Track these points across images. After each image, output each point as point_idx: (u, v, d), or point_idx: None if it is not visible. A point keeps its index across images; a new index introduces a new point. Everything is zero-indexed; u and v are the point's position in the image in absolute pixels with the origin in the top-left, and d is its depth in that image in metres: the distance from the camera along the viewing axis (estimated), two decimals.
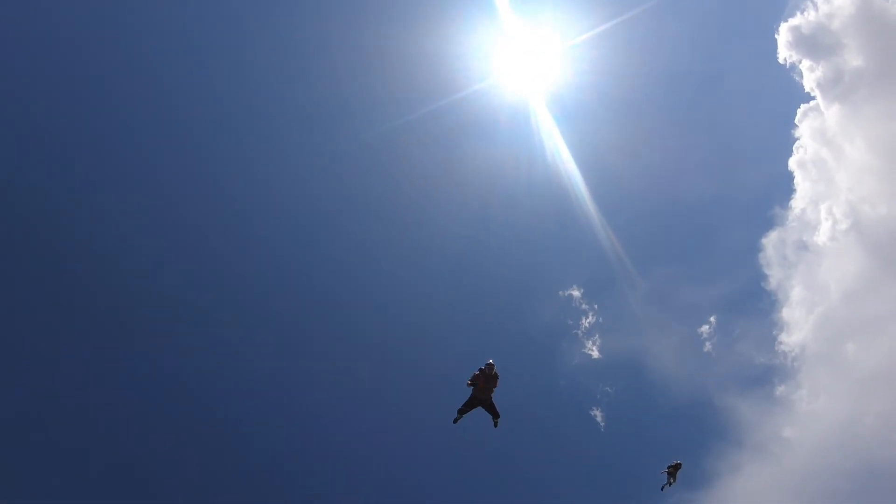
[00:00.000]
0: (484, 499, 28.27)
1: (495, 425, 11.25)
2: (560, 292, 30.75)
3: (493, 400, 11.02)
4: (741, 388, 30.55)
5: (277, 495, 25.98)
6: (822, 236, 31.70)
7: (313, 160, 29.67)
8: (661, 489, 18.55)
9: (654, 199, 32.34)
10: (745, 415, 30.36)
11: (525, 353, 29.53)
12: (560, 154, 29.32)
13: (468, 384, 10.79)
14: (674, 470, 18.20)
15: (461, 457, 28.17)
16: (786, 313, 31.28)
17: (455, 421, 11.27)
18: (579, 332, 30.45)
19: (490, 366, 10.70)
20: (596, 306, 30.73)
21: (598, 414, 29.49)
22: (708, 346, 30.75)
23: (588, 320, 30.49)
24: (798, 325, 31.65)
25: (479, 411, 11.29)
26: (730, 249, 32.41)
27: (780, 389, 30.88)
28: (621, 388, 30.33)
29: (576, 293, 30.88)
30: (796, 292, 31.88)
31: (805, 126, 31.98)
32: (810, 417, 31.44)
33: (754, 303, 31.50)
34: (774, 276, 31.55)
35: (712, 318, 30.69)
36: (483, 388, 10.78)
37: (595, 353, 30.17)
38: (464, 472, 28.80)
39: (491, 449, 28.50)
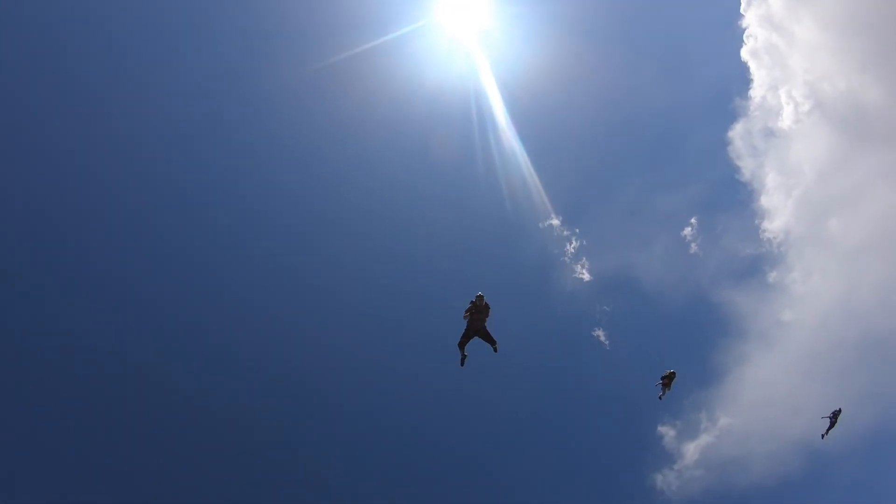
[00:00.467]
0: (505, 428, 28.79)
1: (495, 350, 11.81)
2: (539, 224, 30.75)
3: (487, 329, 11.60)
4: (734, 281, 30.91)
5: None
6: (786, 120, 31.71)
7: (233, 103, 28.60)
8: (659, 398, 18.80)
9: (613, 115, 32.13)
10: (742, 306, 30.77)
11: (518, 289, 29.61)
12: (505, 85, 29.06)
13: (464, 317, 11.27)
14: (668, 380, 18.35)
15: (478, 388, 28.60)
16: (764, 201, 31.46)
17: (462, 362, 11.89)
18: (566, 258, 30.56)
19: (480, 297, 11.19)
20: (577, 230, 30.78)
21: (600, 334, 29.81)
22: (693, 248, 30.97)
23: (572, 246, 30.57)
24: (778, 210, 31.87)
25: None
26: (698, 149, 32.37)
27: (773, 276, 31.23)
28: (618, 304, 30.61)
29: (555, 222, 30.87)
30: (771, 179, 32.01)
31: (751, 15, 31.66)
32: (806, 298, 31.88)
33: (731, 196, 31.64)
34: (746, 166, 31.61)
35: (693, 220, 30.85)
36: (476, 318, 11.31)
37: (586, 276, 30.33)
38: (482, 403, 29.31)
39: (504, 381, 29.00)
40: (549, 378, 29.69)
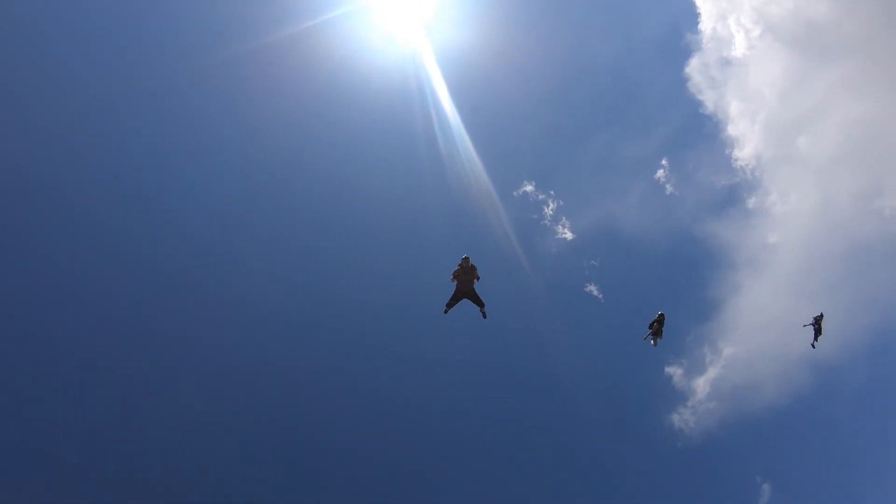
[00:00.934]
0: (510, 390, 29.04)
1: (483, 315, 12.23)
2: (514, 193, 30.80)
3: (476, 291, 12.03)
4: (714, 213, 31.16)
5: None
6: (739, 48, 31.83)
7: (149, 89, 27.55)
8: (654, 345, 17.45)
9: (566, 71, 32.04)
10: (727, 236, 31.06)
11: (505, 258, 29.61)
12: (449, 58, 28.93)
13: (452, 279, 11.77)
14: (658, 325, 17.06)
15: (485, 356, 28.79)
16: (731, 130, 31.64)
17: (445, 312, 12.31)
18: (546, 221, 30.65)
19: (465, 259, 11.62)
20: (552, 192, 30.87)
21: (593, 289, 30.01)
22: (669, 188, 31.14)
23: (550, 208, 30.67)
24: (746, 137, 32.09)
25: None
26: (658, 91, 32.46)
27: (752, 202, 31.53)
28: (605, 257, 30.82)
29: (529, 188, 30.93)
30: (734, 108, 32.18)
31: None
32: (788, 217, 32.26)
33: (698, 130, 31.76)
34: (708, 99, 31.74)
35: (664, 162, 30.98)
36: (464, 280, 11.74)
37: (569, 235, 30.47)
38: (486, 370, 29.57)
39: (509, 349, 29.19)
40: (552, 340, 29.87)
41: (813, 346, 18.63)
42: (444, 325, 29.38)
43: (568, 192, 30.99)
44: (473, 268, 11.71)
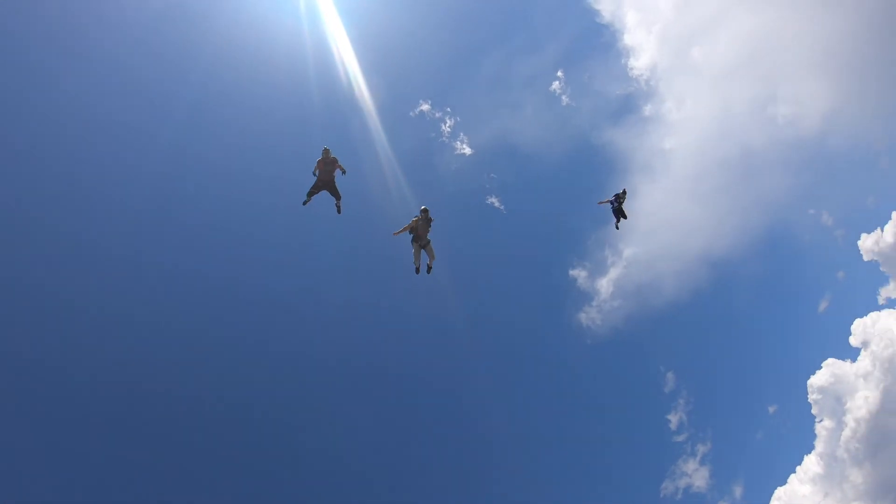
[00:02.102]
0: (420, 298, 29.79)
1: (338, 210, 12.65)
2: (410, 112, 30.75)
3: (335, 183, 12.29)
4: (611, 121, 32.03)
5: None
6: None
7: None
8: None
9: None
10: (623, 144, 32.07)
11: (402, 176, 29.70)
12: None
13: (313, 172, 11.98)
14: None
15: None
16: (627, 39, 32.25)
17: (304, 203, 12.44)
18: (444, 139, 30.83)
19: (326, 151, 11.77)
20: (448, 109, 30.92)
21: (494, 201, 30.67)
22: (565, 100, 31.73)
23: (447, 126, 30.77)
24: (642, 47, 32.80)
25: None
26: (551, 3, 32.59)
27: (647, 109, 32.53)
28: (503, 170, 31.43)
29: (425, 107, 30.90)
30: (630, 17, 32.71)
31: None
32: (683, 124, 33.53)
33: (595, 40, 32.24)
34: (605, 9, 32.11)
35: (559, 73, 31.41)
36: (324, 171, 11.95)
37: (467, 150, 30.75)
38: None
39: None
40: (457, 250, 30.58)
41: (616, 228, 15.67)
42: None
43: (464, 108, 31.15)
44: (335, 159, 11.91)
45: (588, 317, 31.12)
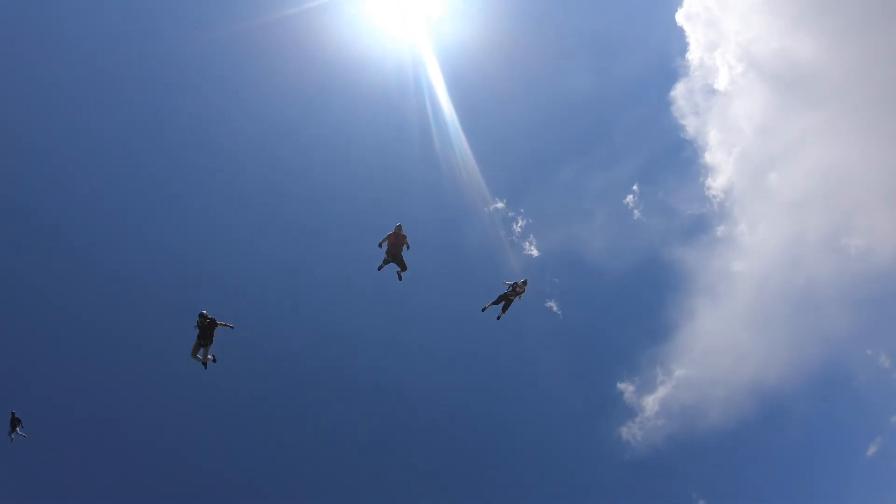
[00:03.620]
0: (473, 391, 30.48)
1: (399, 278, 13.86)
2: (486, 209, 31.91)
3: (402, 256, 13.50)
4: (681, 239, 32.17)
5: None
6: (722, 81, 32.57)
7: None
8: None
9: (553, 91, 32.76)
10: (691, 262, 32.08)
11: (471, 271, 30.79)
12: (446, 62, 29.62)
13: (379, 245, 13.17)
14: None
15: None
16: (708, 158, 32.53)
17: (379, 269, 13.84)
18: (514, 238, 31.74)
19: (399, 227, 13.07)
20: (522, 210, 31.91)
21: (553, 305, 31.20)
22: (637, 214, 32.14)
23: (518, 226, 31.72)
24: (721, 167, 32.98)
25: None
26: (639, 114, 33.21)
27: (720, 230, 32.50)
28: (567, 276, 31.97)
29: (500, 205, 32.03)
30: (713, 136, 33.01)
31: None
32: (754, 248, 33.24)
33: (677, 154, 32.59)
34: (690, 124, 32.54)
35: (635, 187, 31.91)
36: (394, 244, 13.21)
37: (535, 252, 31.56)
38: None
39: (474, 354, 30.64)
40: (510, 351, 31.21)
41: (497, 318, 14.24)
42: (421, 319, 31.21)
43: (538, 211, 32.04)
44: (404, 236, 13.16)
45: (630, 432, 31.06)
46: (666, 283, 32.20)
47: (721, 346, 32.56)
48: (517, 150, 32.90)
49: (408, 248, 13.29)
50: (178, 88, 29.39)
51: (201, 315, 11.44)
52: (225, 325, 11.67)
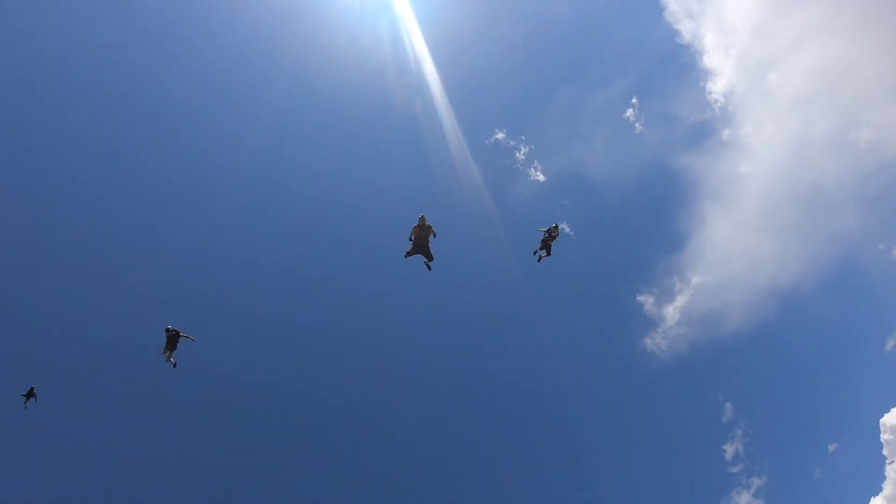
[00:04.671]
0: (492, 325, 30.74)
1: (428, 268, 13.49)
2: (486, 141, 31.50)
3: (429, 247, 13.13)
4: (687, 147, 31.75)
5: None
6: None
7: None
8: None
9: (536, 17, 31.94)
10: (698, 169, 31.75)
11: (478, 202, 30.54)
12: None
13: (409, 237, 12.89)
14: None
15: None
16: (706, 61, 31.82)
17: (406, 256, 13.48)
18: (518, 166, 31.43)
19: (422, 218, 12.67)
20: (523, 137, 31.47)
21: (565, 226, 31.05)
22: (639, 127, 31.68)
23: (521, 153, 31.35)
24: (720, 70, 32.29)
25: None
26: (629, 26, 32.40)
27: (725, 134, 32.06)
28: (576, 196, 31.78)
29: (500, 135, 31.58)
30: (709, 39, 32.20)
31: None
32: (760, 149, 32.77)
33: (673, 61, 31.89)
34: (685, 29, 31.71)
35: (633, 100, 31.34)
36: (420, 236, 12.87)
37: (541, 177, 31.27)
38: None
39: (489, 287, 30.82)
40: (529, 275, 31.27)
41: (534, 253, 15.44)
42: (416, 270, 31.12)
43: (539, 136, 31.63)
44: (430, 226, 12.84)
45: (654, 342, 31.38)
46: (674, 192, 32.01)
47: (735, 250, 32.53)
48: (509, 79, 32.27)
49: (434, 236, 12.99)
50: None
51: (167, 329, 14.02)
52: (187, 336, 14.14)
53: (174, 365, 14.46)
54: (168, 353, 14.23)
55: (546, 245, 15.22)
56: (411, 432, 29.96)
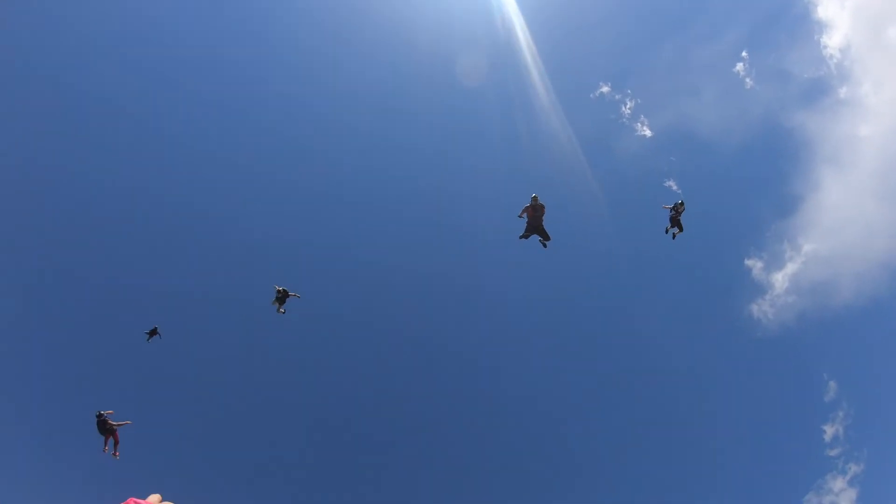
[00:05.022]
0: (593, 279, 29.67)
1: (544, 246, 13.32)
2: (591, 95, 30.23)
3: (543, 226, 13.01)
4: (801, 105, 29.64)
5: None
6: None
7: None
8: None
9: None
10: (813, 129, 29.63)
11: (585, 156, 29.40)
12: None
13: (520, 215, 12.76)
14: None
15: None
16: (820, 13, 29.55)
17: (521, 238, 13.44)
18: (624, 120, 30.05)
19: (535, 198, 12.54)
20: (629, 91, 30.00)
21: (672, 184, 29.65)
22: (749, 82, 29.72)
23: (627, 108, 29.93)
24: (835, 23, 29.95)
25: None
26: None
27: (843, 91, 29.68)
28: (684, 153, 30.13)
29: (605, 89, 30.20)
30: None
31: None
32: (880, 109, 30.06)
33: (785, 12, 29.55)
34: None
35: (743, 54, 29.40)
36: (533, 216, 12.78)
37: (647, 133, 29.80)
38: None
39: (593, 242, 29.81)
40: (632, 231, 30.13)
41: (666, 231, 15.66)
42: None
43: (645, 91, 30.06)
44: (542, 206, 12.69)
45: (760, 309, 29.74)
46: (787, 153, 29.99)
47: (850, 217, 30.37)
48: (614, 31, 30.72)
49: (544, 212, 12.89)
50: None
51: (277, 289, 15.48)
52: (294, 294, 15.77)
53: (283, 312, 16.18)
54: (277, 304, 15.95)
55: (676, 222, 15.27)
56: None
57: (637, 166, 30.12)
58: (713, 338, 30.50)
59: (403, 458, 29.00)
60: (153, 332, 20.36)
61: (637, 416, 29.56)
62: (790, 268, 29.83)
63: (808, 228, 29.88)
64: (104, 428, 13.83)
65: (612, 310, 30.53)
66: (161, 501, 0.75)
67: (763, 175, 30.53)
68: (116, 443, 14.11)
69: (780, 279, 29.72)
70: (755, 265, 30.10)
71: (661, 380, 29.65)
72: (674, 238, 15.73)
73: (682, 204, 15.18)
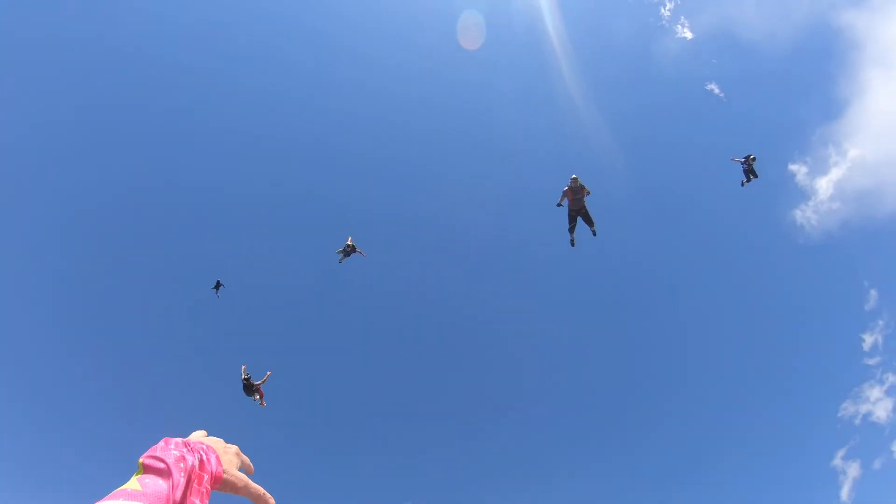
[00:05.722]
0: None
1: (593, 234, 11.90)
2: None
3: (587, 209, 11.60)
4: (850, 3, 28.42)
5: None
6: None
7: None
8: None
9: None
10: (861, 29, 28.52)
11: (624, 60, 28.99)
12: None
13: (559, 204, 11.38)
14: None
15: None
16: None
17: (572, 244, 12.03)
18: (664, 22, 29.42)
19: (574, 179, 11.23)
20: None
21: (714, 87, 29.21)
22: None
23: (667, 9, 29.26)
24: None
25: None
26: None
27: None
28: (726, 55, 29.54)
29: None
30: None
31: None
32: None
33: None
34: None
35: None
36: (573, 199, 11.46)
37: (688, 35, 29.21)
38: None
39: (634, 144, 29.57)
40: (673, 135, 29.86)
41: (742, 185, 16.14)
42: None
43: None
44: (583, 186, 11.28)
45: (804, 215, 29.51)
46: (834, 55, 29.15)
47: None
48: None
49: (588, 193, 11.40)
50: None
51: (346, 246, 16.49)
52: (360, 252, 16.59)
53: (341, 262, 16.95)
54: (342, 255, 16.80)
55: (750, 171, 15.61)
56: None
57: (677, 68, 29.64)
58: (756, 243, 30.45)
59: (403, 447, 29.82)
60: (218, 285, 22.19)
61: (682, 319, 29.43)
62: (835, 173, 29.42)
63: (854, 133, 29.30)
64: (250, 389, 14.54)
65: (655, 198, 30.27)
66: (206, 436, 0.74)
67: (808, 77, 29.85)
68: (262, 395, 14.91)
69: (824, 185, 29.39)
70: (799, 170, 29.78)
71: (703, 283, 29.77)
72: (742, 185, 16.09)
73: (753, 158, 15.55)
